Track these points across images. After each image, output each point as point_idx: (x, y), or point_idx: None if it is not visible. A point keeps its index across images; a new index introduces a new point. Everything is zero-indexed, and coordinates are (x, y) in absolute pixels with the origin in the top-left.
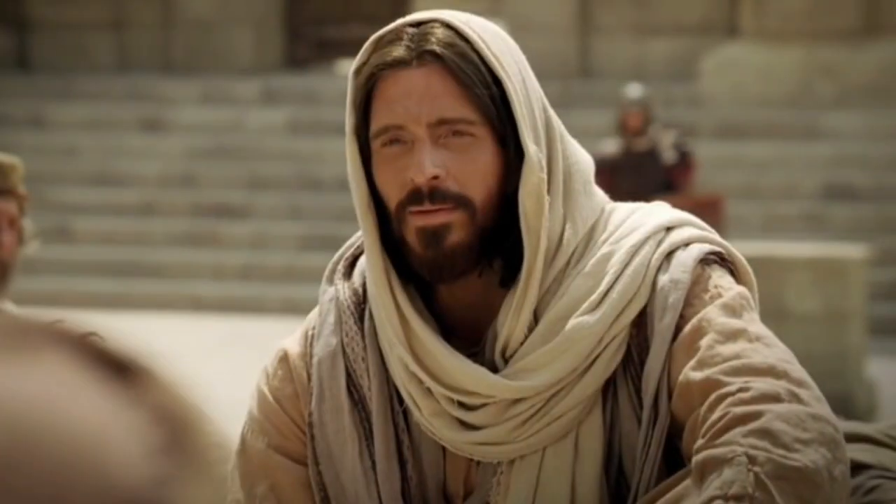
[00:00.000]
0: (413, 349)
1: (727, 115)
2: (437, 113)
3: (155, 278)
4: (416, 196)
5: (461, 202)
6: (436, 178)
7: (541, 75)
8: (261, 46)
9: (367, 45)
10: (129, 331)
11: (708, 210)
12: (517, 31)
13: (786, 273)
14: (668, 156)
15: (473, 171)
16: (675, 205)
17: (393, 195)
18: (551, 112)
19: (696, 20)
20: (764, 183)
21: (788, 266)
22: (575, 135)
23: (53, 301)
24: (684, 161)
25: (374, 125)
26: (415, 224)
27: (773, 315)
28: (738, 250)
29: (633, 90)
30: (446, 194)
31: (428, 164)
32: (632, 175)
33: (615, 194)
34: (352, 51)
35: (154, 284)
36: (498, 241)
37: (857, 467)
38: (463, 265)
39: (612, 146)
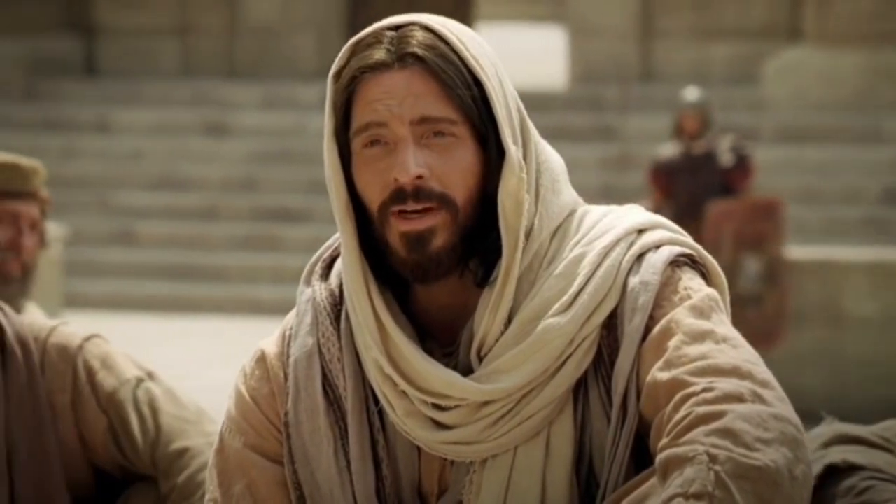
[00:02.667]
0: (388, 352)
1: (789, 119)
2: (419, 111)
3: (216, 281)
4: (399, 196)
5: (444, 202)
6: (420, 177)
7: (602, 79)
8: (323, 51)
9: (344, 49)
10: (190, 333)
11: (766, 213)
12: (579, 35)
13: (844, 277)
14: (726, 159)
15: (456, 171)
16: (733, 208)
17: (375, 196)
18: (524, 112)
19: (759, 24)
20: (825, 187)
21: (847, 270)
22: (635, 138)
23: (115, 304)
24: (742, 164)
25: (356, 124)
26: (399, 228)
27: (831, 319)
28: (797, 254)
29: (691, 93)
30: (430, 194)
31: (412, 164)
32: (689, 178)
33: (672, 197)
34: None
35: (215, 287)
36: (478, 241)
37: (850, 469)
38: (447, 266)
39: (669, 149)
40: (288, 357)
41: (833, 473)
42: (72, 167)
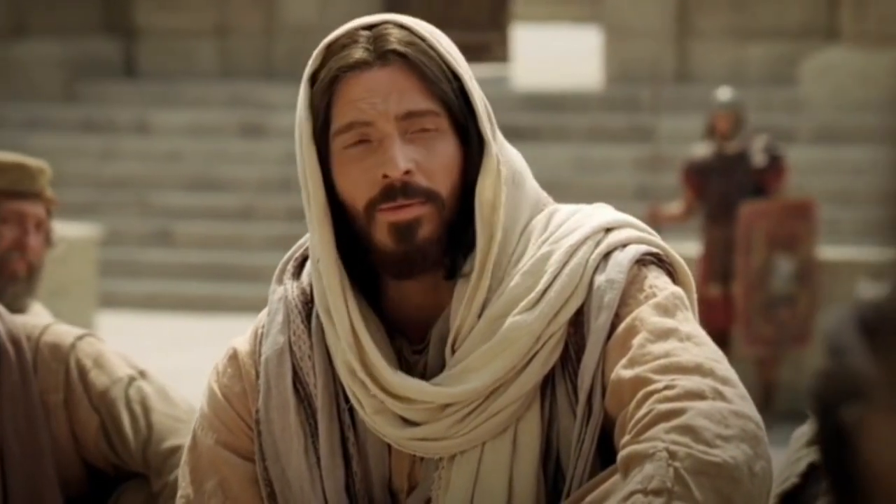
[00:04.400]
0: (362, 358)
1: (826, 119)
2: (405, 106)
3: (252, 281)
4: (389, 192)
5: (430, 196)
6: (408, 172)
7: (637, 79)
8: None
9: (317, 51)
10: (226, 333)
11: (799, 214)
12: (615, 36)
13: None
14: (759, 159)
15: (440, 166)
16: (765, 208)
17: (360, 194)
18: (490, 108)
19: (795, 24)
20: (861, 187)
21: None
22: (670, 139)
23: (152, 303)
24: (775, 165)
25: (338, 124)
26: (387, 220)
27: None
28: (830, 254)
29: (724, 94)
30: (418, 189)
31: (401, 159)
32: (721, 178)
33: (705, 198)
34: None
35: (251, 287)
36: (458, 235)
37: None
38: (433, 259)
39: (702, 150)
40: (260, 355)
41: (816, 472)
42: (111, 168)
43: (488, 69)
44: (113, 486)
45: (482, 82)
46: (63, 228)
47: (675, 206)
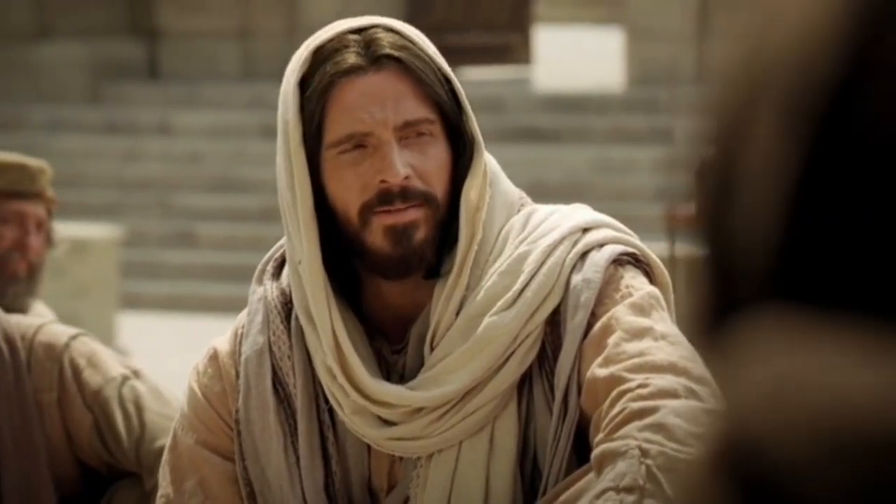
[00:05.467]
0: (341, 361)
1: None
2: (402, 116)
3: None
4: (386, 197)
5: (427, 199)
6: (406, 178)
7: (659, 81)
8: None
9: (303, 56)
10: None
11: None
12: (636, 38)
13: None
14: None
15: (435, 169)
16: None
17: (354, 198)
18: None
19: None
20: None
21: None
22: (690, 141)
23: (175, 304)
24: None
25: (335, 133)
26: (383, 223)
27: None
28: None
29: None
30: (415, 193)
31: (399, 166)
32: None
33: None
34: (472, 58)
35: None
36: (443, 234)
37: None
38: (428, 260)
39: None
40: (239, 355)
41: None
42: (133, 169)
43: (510, 71)
44: (107, 485)
45: (504, 84)
46: (84, 229)
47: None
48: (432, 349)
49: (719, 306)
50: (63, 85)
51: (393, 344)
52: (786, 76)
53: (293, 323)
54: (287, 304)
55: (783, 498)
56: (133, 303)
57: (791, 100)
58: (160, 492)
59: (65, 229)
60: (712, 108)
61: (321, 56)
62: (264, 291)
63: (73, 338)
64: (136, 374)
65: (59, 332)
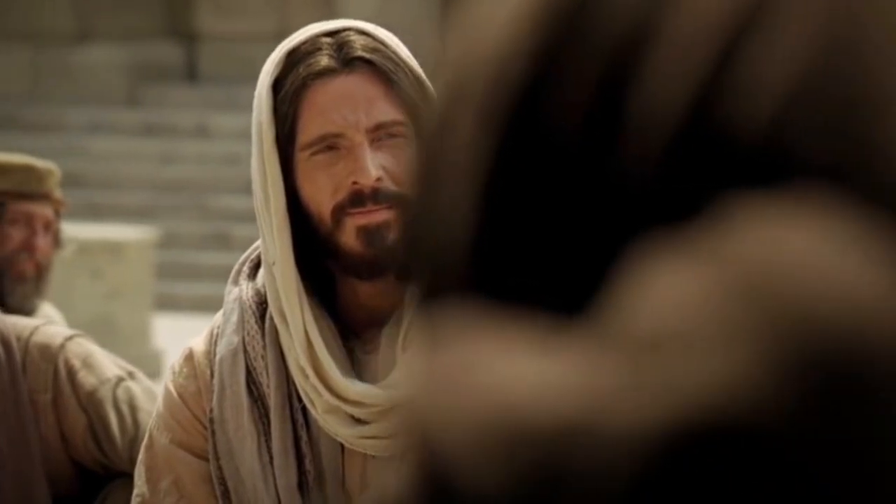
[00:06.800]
0: (313, 361)
1: None
2: (374, 118)
3: None
4: (358, 198)
5: (399, 200)
6: (378, 179)
7: None
8: (417, 55)
9: (277, 58)
10: None
11: None
12: None
13: None
14: None
15: (406, 170)
16: None
17: (326, 199)
18: None
19: None
20: None
21: None
22: None
23: (210, 306)
24: None
25: (307, 135)
26: (356, 224)
27: None
28: None
29: None
30: (387, 194)
31: (372, 168)
32: None
33: None
34: None
35: None
36: None
37: None
38: (401, 260)
39: None
40: (214, 355)
41: None
42: (170, 171)
43: None
44: (102, 486)
45: None
46: (120, 231)
47: None
48: (404, 349)
49: (425, 295)
50: (102, 87)
51: (366, 344)
52: (483, 77)
53: (267, 323)
54: (262, 304)
55: (451, 485)
56: (168, 304)
57: (485, 100)
58: (135, 491)
59: (100, 231)
60: (431, 105)
61: (294, 58)
62: (239, 292)
63: (69, 339)
64: (131, 375)
65: (54, 333)
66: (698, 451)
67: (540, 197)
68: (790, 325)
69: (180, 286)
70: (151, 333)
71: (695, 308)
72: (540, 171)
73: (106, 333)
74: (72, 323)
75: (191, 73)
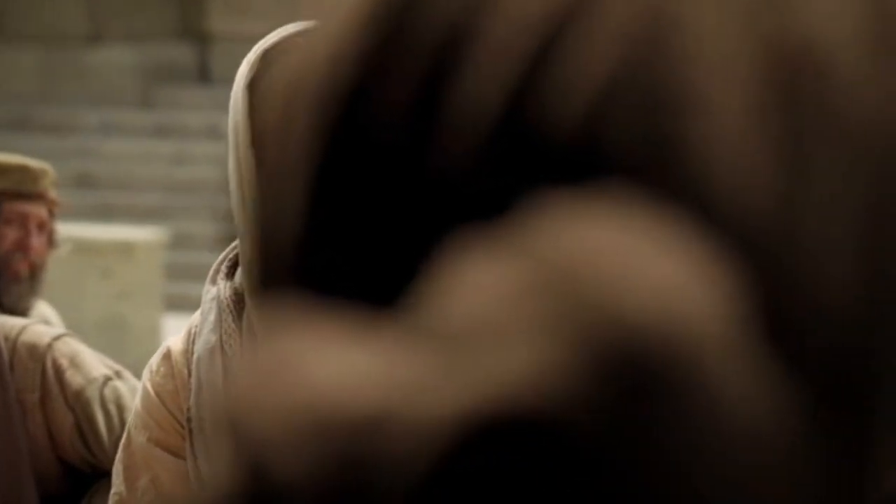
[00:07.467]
0: None
1: None
2: None
3: None
4: None
5: None
6: None
7: None
8: None
9: (252, 58)
10: None
11: None
12: None
13: None
14: None
15: None
16: None
17: None
18: None
19: None
20: None
21: None
22: None
23: None
24: None
25: None
26: None
27: None
28: None
29: None
30: None
31: None
32: None
33: None
34: None
35: None
36: None
37: None
38: None
39: None
40: (192, 354)
41: None
42: (182, 172)
43: None
44: (90, 484)
45: None
46: (130, 232)
47: None
48: None
49: (258, 286)
50: (114, 88)
51: None
52: (315, 75)
53: (245, 321)
54: (240, 303)
55: (265, 473)
56: (179, 305)
57: (316, 98)
58: (113, 489)
59: (111, 232)
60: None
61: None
62: (217, 291)
63: (56, 338)
64: (119, 374)
65: (42, 332)
66: (495, 442)
67: (361, 192)
68: (591, 318)
69: (191, 287)
70: (162, 334)
71: (502, 302)
72: (363, 168)
73: (116, 334)
74: (82, 323)
75: (203, 75)
